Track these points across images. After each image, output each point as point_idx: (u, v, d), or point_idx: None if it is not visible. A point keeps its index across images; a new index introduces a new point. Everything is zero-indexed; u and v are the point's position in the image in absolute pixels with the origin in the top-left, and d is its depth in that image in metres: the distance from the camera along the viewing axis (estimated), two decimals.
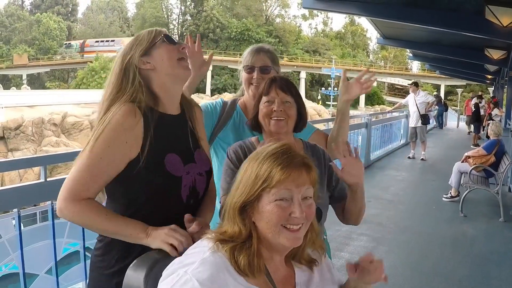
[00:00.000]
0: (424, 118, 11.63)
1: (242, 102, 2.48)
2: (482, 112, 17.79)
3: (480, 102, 18.38)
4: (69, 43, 66.22)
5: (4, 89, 43.12)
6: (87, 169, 1.52)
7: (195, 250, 1.27)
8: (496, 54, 11.27)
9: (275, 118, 1.90)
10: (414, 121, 11.71)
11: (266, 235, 1.26)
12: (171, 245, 1.47)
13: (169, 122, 1.68)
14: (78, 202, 1.51)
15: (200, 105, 2.01)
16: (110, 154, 1.53)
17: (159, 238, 1.49)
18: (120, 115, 1.55)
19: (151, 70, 1.66)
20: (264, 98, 1.94)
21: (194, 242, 1.39)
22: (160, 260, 1.39)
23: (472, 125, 18.61)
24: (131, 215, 1.59)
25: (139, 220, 1.57)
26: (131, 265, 1.41)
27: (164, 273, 1.23)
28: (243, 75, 2.38)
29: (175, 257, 1.34)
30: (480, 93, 23.32)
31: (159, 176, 1.58)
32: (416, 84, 12.26)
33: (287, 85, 1.94)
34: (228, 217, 1.31)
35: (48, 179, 2.77)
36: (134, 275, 1.37)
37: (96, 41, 63.33)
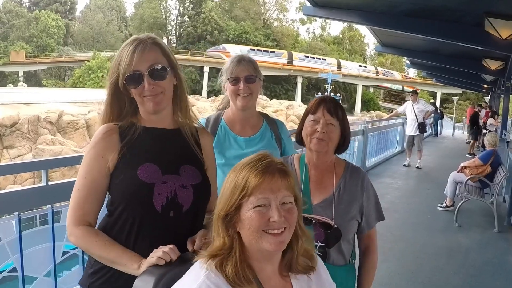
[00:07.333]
0: (422, 127, 11.67)
1: (228, 116, 2.47)
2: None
3: (480, 111, 18.46)
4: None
5: (0, 86, 42.91)
6: (77, 192, 1.64)
7: (191, 274, 1.30)
8: (493, 65, 11.35)
9: (317, 138, 1.95)
10: (412, 129, 11.72)
11: (250, 243, 1.29)
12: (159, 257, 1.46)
13: (153, 135, 1.72)
14: (79, 227, 1.60)
15: None
16: (90, 171, 1.63)
17: (147, 262, 1.48)
18: (96, 134, 1.67)
19: None
20: (310, 116, 1.99)
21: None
22: (168, 273, 1.40)
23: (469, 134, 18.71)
24: (112, 224, 1.64)
25: (118, 229, 1.61)
26: (138, 276, 1.42)
27: None
28: (228, 87, 2.37)
29: (179, 270, 1.36)
30: (488, 103, 23.42)
31: (131, 184, 1.62)
32: (415, 93, 12.35)
33: (335, 108, 1.97)
34: (215, 230, 1.34)
35: (49, 183, 2.77)
36: (142, 287, 1.38)
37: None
